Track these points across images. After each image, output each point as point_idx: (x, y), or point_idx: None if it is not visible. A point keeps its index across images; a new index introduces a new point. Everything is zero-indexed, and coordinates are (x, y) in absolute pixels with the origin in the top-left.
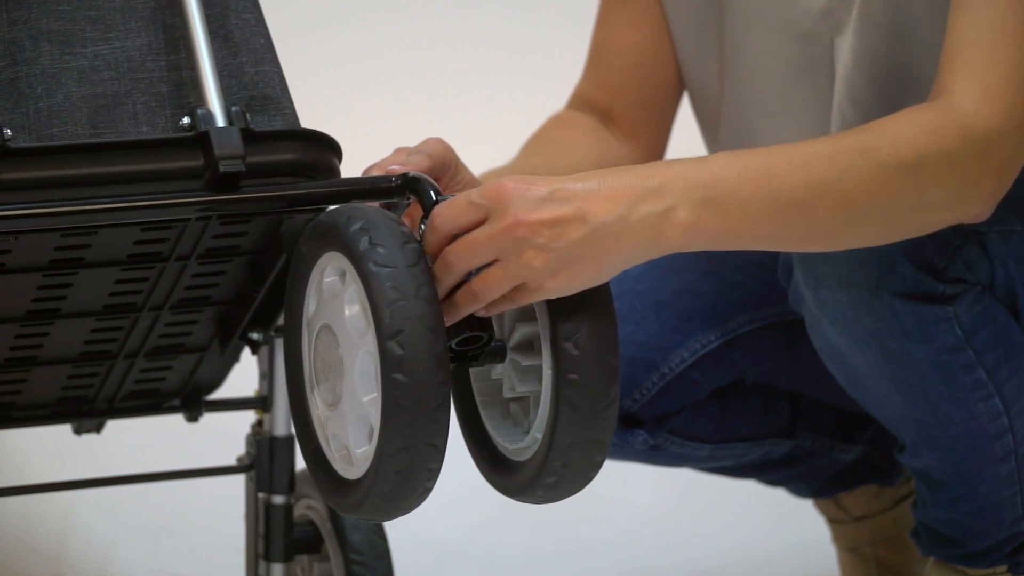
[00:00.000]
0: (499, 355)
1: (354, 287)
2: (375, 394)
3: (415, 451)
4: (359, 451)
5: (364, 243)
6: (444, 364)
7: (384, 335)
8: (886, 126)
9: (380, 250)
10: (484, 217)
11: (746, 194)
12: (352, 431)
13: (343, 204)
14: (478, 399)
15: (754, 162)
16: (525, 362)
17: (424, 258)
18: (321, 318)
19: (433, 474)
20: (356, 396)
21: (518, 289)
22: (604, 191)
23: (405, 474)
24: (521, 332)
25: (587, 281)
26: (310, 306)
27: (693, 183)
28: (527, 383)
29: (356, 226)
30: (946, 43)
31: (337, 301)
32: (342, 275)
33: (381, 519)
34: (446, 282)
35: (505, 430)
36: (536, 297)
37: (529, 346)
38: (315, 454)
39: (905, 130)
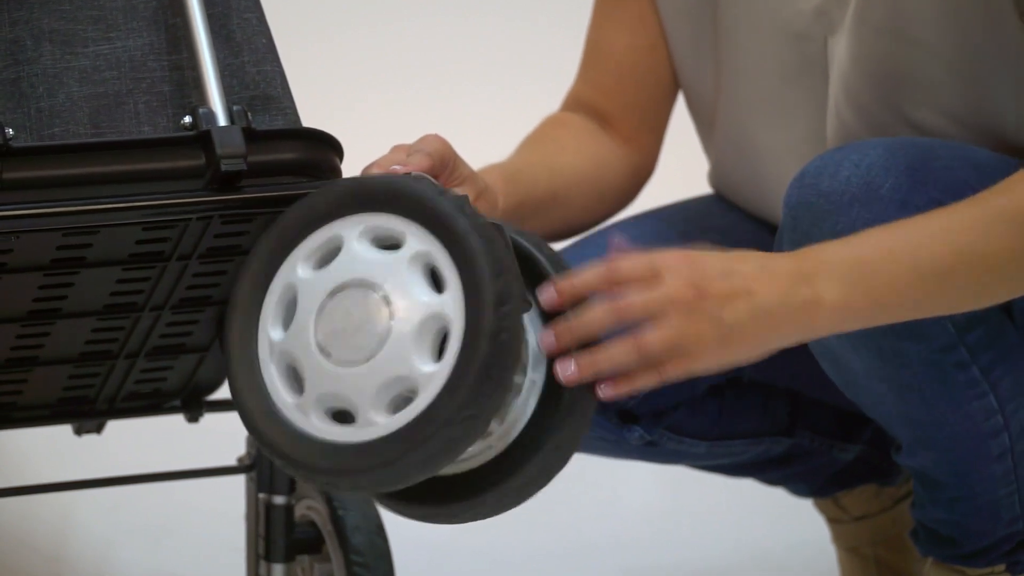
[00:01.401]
0: None
1: (420, 248)
2: (430, 357)
3: (475, 423)
4: (375, 414)
5: (462, 213)
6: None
7: (488, 303)
8: (1020, 185)
9: (477, 219)
10: (652, 274)
11: (893, 271)
12: (374, 392)
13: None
14: None
15: (900, 237)
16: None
17: None
18: (348, 275)
19: (459, 454)
20: (404, 358)
21: (680, 357)
22: (766, 273)
23: (453, 444)
24: None
25: (745, 357)
26: (298, 263)
27: (841, 265)
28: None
29: (438, 192)
30: None
31: (391, 260)
32: (381, 236)
33: (371, 489)
34: (604, 323)
35: None
36: (697, 368)
37: None
38: (267, 414)
39: None
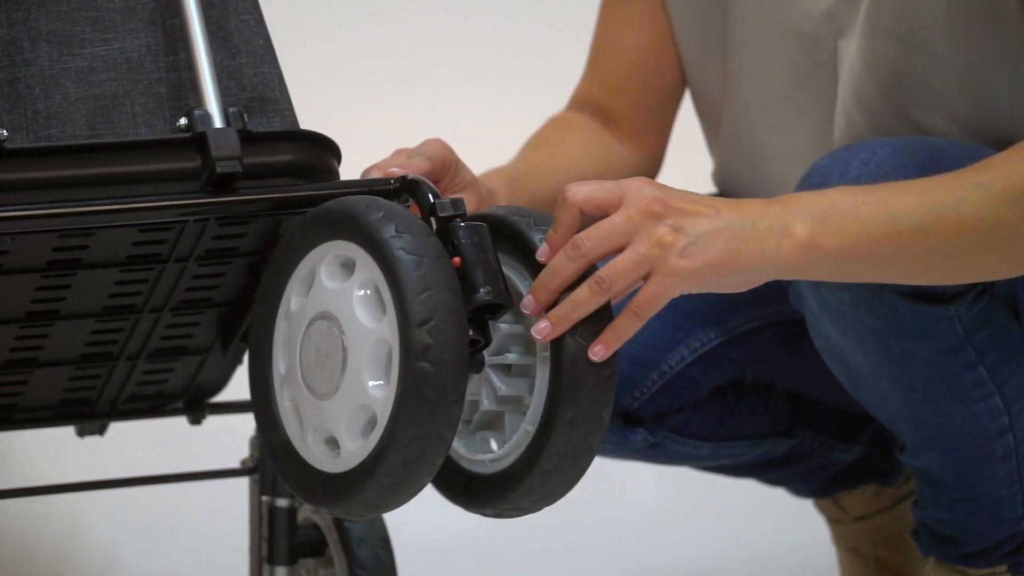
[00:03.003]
0: (477, 365)
1: (366, 275)
2: (382, 382)
3: (428, 443)
4: (351, 443)
5: (389, 231)
6: (466, 357)
7: (412, 323)
8: (1000, 161)
9: (407, 238)
10: (618, 199)
11: (864, 214)
12: (346, 422)
13: (352, 196)
14: None
15: (870, 190)
16: (511, 360)
17: (447, 253)
18: (317, 307)
19: (435, 469)
20: (361, 385)
21: (646, 283)
22: (732, 203)
23: (412, 466)
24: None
25: (715, 275)
26: (292, 296)
27: (812, 203)
28: (514, 385)
29: (379, 214)
30: None
31: (344, 289)
32: (346, 263)
33: (371, 513)
34: (571, 269)
35: (469, 441)
36: (664, 287)
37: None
38: (284, 448)
39: (1020, 165)
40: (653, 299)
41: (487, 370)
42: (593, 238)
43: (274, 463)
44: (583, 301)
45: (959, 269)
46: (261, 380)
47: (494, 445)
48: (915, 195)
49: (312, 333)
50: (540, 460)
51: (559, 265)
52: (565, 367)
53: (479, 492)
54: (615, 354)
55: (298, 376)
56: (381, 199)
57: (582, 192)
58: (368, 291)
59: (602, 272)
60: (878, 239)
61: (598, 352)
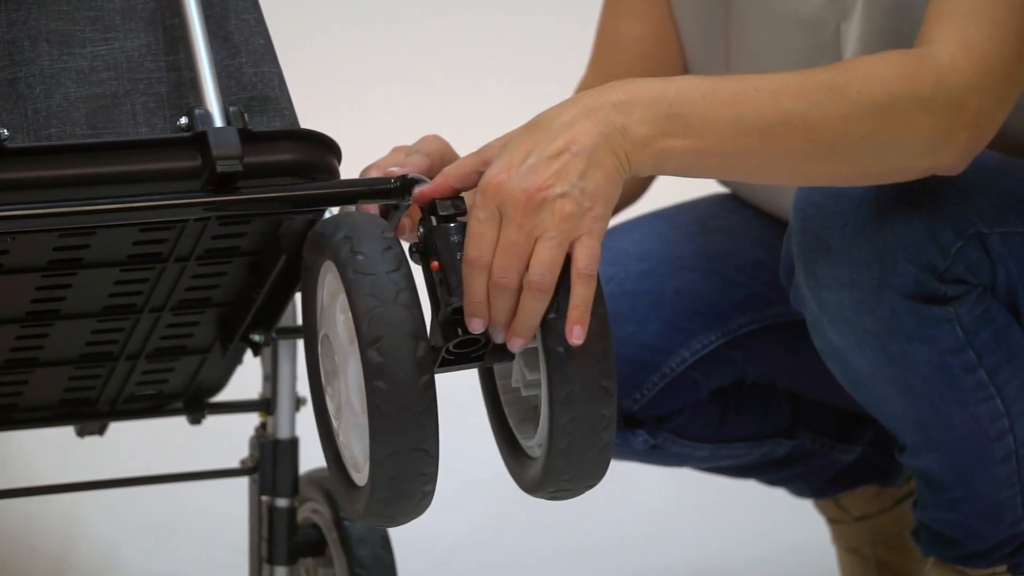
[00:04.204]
0: (506, 353)
1: (343, 296)
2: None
3: (404, 457)
4: (361, 458)
5: (346, 251)
6: (426, 368)
7: (364, 343)
8: (860, 65)
9: (359, 257)
10: (500, 218)
11: (712, 114)
12: (355, 438)
13: (336, 212)
14: (503, 399)
15: (722, 86)
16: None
17: (406, 262)
18: (321, 328)
19: (429, 478)
20: (352, 404)
21: (576, 247)
22: (579, 116)
23: (399, 480)
24: None
25: (617, 191)
26: (320, 312)
27: (658, 99)
28: (536, 370)
29: (340, 234)
30: None
31: (332, 310)
32: (337, 284)
33: (387, 524)
34: (509, 300)
35: (524, 427)
36: (593, 242)
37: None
38: (336, 462)
39: (878, 71)
40: (593, 257)
41: (518, 358)
42: (507, 268)
43: (331, 475)
44: (533, 310)
45: (805, 174)
46: (318, 396)
47: (535, 430)
48: (767, 96)
49: (321, 352)
50: (554, 440)
51: (498, 305)
52: (549, 345)
53: (534, 476)
54: (605, 327)
55: (325, 394)
56: (356, 215)
57: (477, 250)
58: (347, 312)
59: (534, 276)
60: (725, 141)
61: (577, 334)
